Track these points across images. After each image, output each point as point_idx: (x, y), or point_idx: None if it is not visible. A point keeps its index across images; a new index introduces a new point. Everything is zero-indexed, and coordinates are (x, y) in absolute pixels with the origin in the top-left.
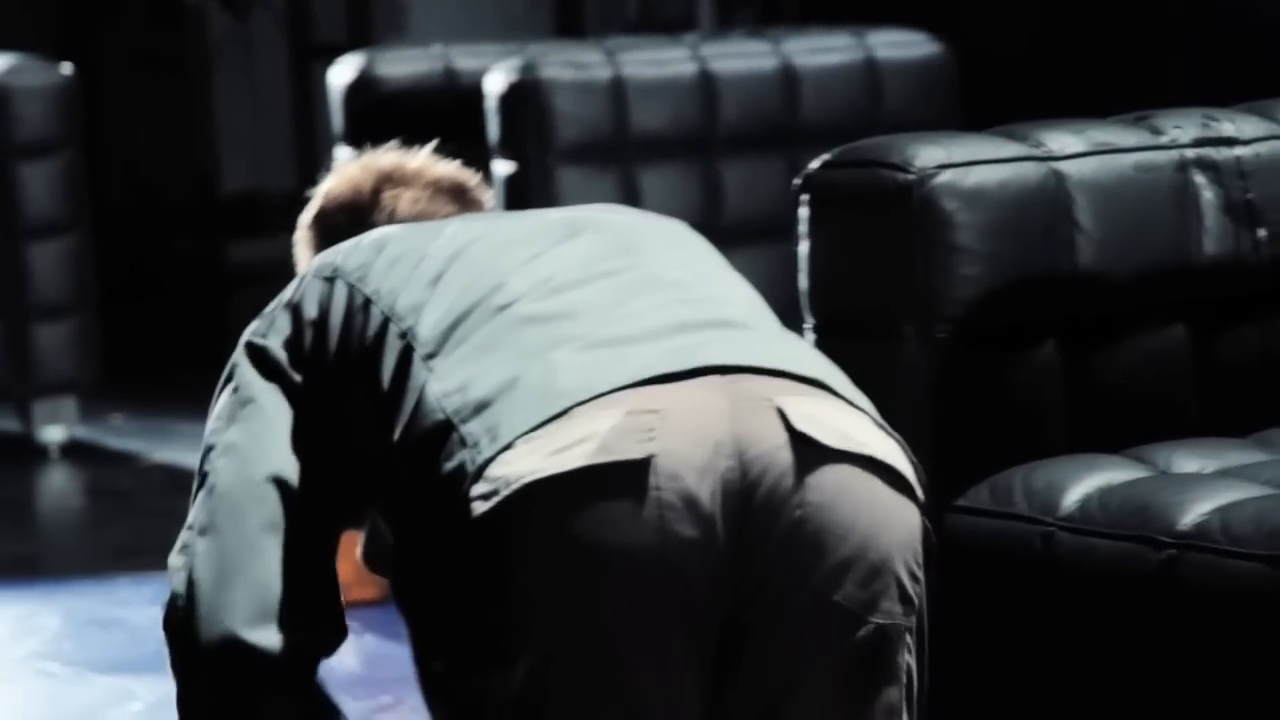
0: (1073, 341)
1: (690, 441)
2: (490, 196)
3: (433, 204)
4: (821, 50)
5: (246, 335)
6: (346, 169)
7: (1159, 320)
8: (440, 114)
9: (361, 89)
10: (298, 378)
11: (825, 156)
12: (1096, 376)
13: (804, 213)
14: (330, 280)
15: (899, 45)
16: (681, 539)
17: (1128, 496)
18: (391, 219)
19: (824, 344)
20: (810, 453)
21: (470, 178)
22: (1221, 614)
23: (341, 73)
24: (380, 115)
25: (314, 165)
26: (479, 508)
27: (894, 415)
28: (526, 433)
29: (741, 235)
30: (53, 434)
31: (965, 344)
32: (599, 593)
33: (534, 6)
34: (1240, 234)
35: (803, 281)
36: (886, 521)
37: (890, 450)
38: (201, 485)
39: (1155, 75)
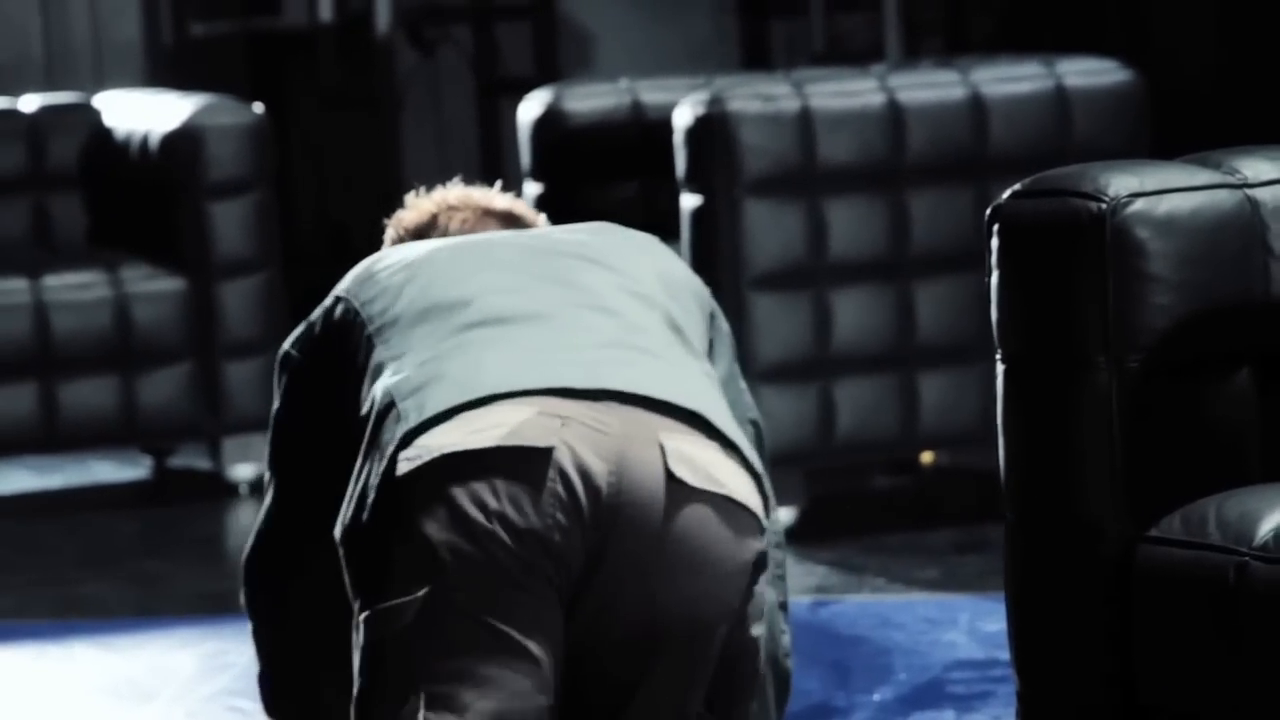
0: (1267, 370)
1: (585, 449)
2: (542, 220)
3: (480, 224)
4: (1010, 79)
5: (285, 344)
6: (419, 200)
7: None
8: (628, 148)
9: (549, 124)
10: (308, 369)
11: (1015, 187)
12: None
13: (995, 244)
14: (336, 297)
15: (1088, 73)
16: (558, 523)
17: None
18: (444, 236)
19: (1015, 375)
20: (677, 490)
21: (520, 205)
22: None
23: (529, 108)
24: (568, 150)
25: None
26: (403, 468)
27: (1086, 446)
28: (447, 411)
29: (930, 266)
30: (243, 471)
31: (1158, 373)
32: (485, 547)
33: (720, 39)
34: None
35: (994, 313)
36: (726, 555)
37: (743, 488)
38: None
39: None
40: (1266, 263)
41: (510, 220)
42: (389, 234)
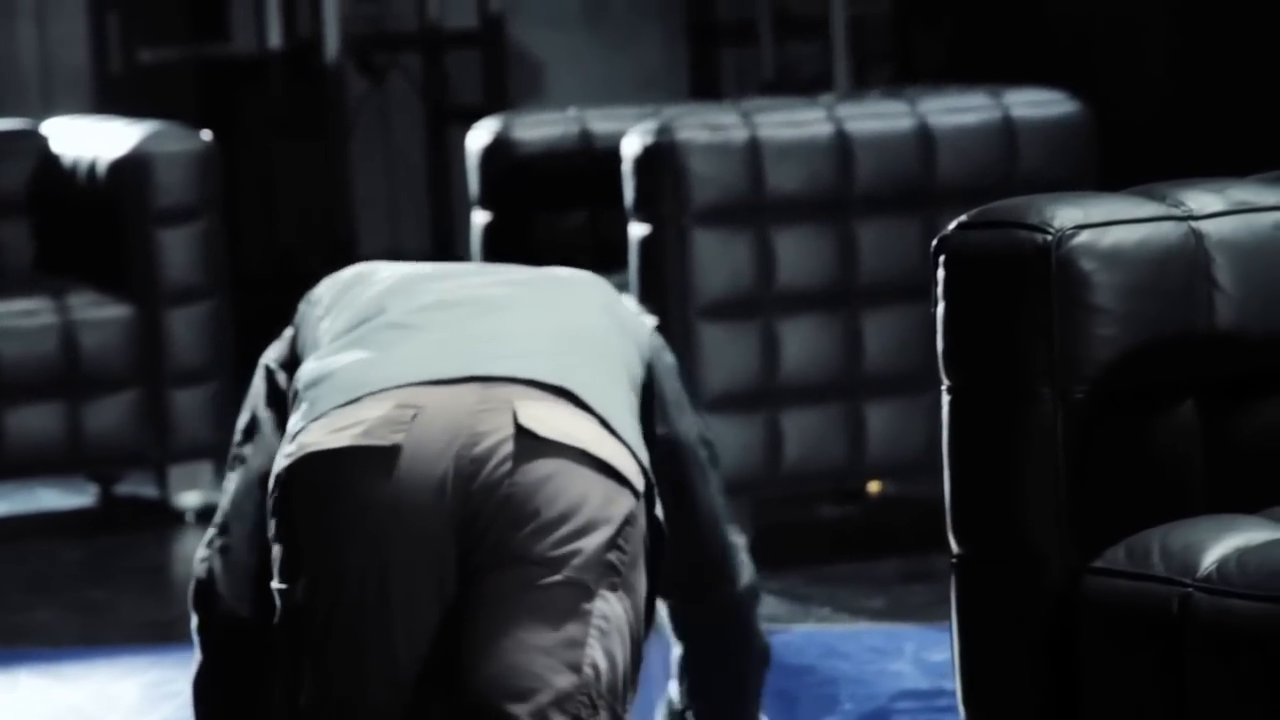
0: (1211, 402)
1: (435, 432)
2: None
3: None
4: (958, 110)
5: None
6: None
7: None
8: (576, 177)
9: (498, 152)
10: (282, 376)
11: (962, 218)
12: (1235, 437)
13: (940, 274)
14: (304, 302)
15: (1036, 104)
16: (414, 506)
17: (1267, 557)
18: None
19: (961, 405)
20: (529, 444)
21: None
22: None
23: (478, 136)
24: (517, 178)
25: (450, 229)
26: (279, 465)
27: (1031, 476)
28: (328, 410)
29: (877, 296)
30: (189, 499)
31: (1103, 405)
32: (345, 539)
33: (670, 68)
34: None
35: (940, 343)
36: (586, 501)
37: (605, 446)
38: (225, 488)
39: None
40: (1211, 294)
41: None
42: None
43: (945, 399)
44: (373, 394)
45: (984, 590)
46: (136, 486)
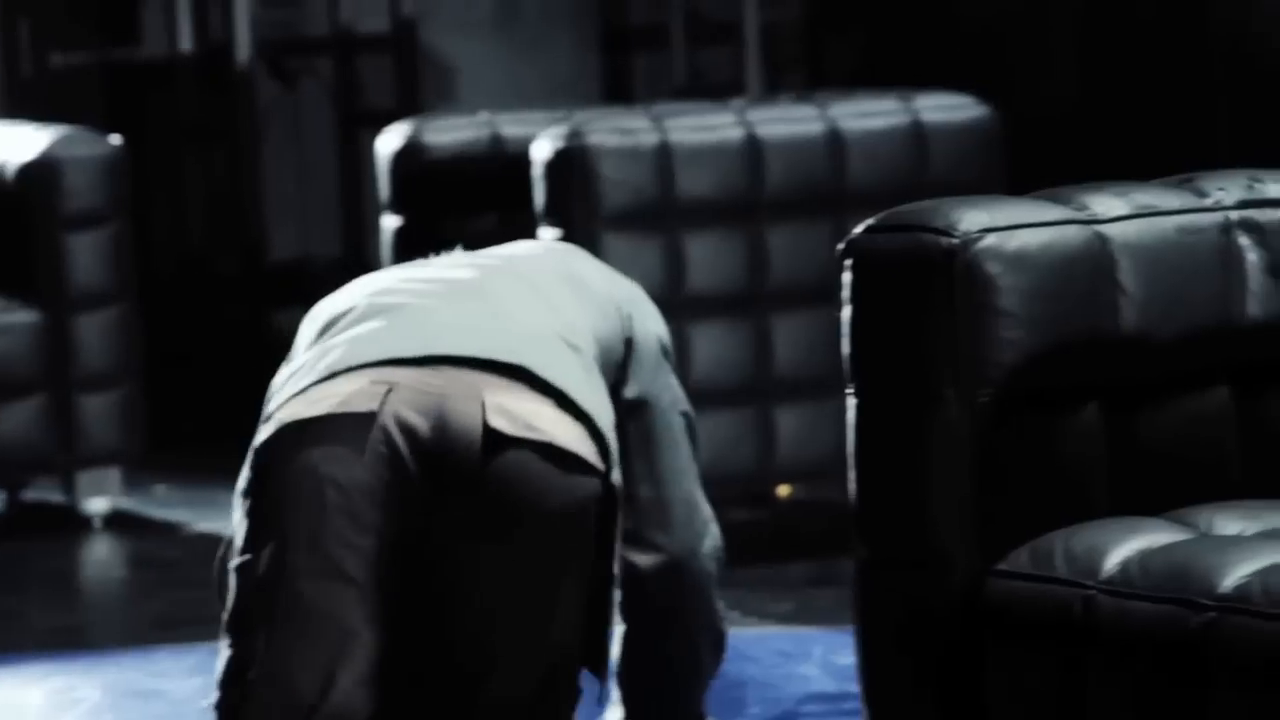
0: (1115, 404)
1: (407, 409)
2: None
3: None
4: (868, 114)
5: None
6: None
7: (1202, 382)
8: (487, 181)
9: (408, 157)
10: None
11: (869, 221)
12: (1139, 439)
13: (847, 278)
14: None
15: (945, 109)
16: (383, 477)
17: (1169, 559)
18: None
19: (867, 409)
20: (497, 439)
21: None
22: (1261, 677)
23: (388, 141)
24: (427, 182)
25: (361, 234)
26: (261, 437)
27: (935, 479)
28: (300, 390)
29: (787, 300)
30: (96, 505)
31: (1008, 408)
32: (319, 501)
33: (582, 73)
34: None
35: (846, 347)
36: (550, 495)
37: (568, 435)
38: None
39: (1203, 138)
40: (1115, 298)
41: None
42: None
43: (851, 402)
44: (347, 371)
45: (888, 593)
46: (44, 492)
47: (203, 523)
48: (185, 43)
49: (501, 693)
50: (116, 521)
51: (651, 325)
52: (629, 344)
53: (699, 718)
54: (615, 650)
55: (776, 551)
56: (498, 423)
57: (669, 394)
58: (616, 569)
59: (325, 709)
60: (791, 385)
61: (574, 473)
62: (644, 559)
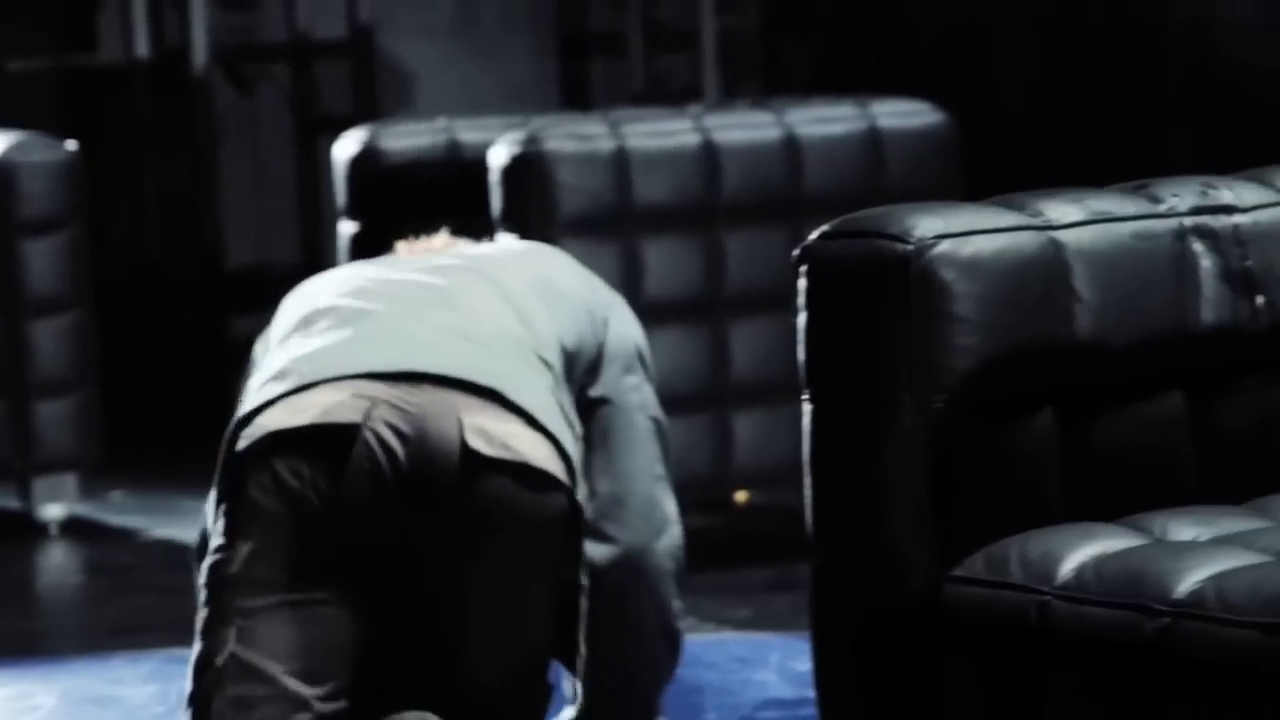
0: (1070, 410)
1: (388, 425)
2: None
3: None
4: (824, 120)
5: None
6: (412, 246)
7: (1156, 388)
8: (444, 187)
9: (365, 162)
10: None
11: (824, 228)
12: (1094, 445)
13: (802, 284)
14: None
15: (902, 115)
16: (363, 490)
17: (1123, 565)
18: None
19: (822, 415)
20: (473, 460)
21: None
22: (1216, 682)
23: (345, 146)
24: (384, 188)
25: (318, 239)
26: (241, 444)
27: (891, 485)
28: (279, 396)
29: (744, 306)
30: (53, 511)
31: (963, 413)
32: (299, 510)
33: (541, 79)
34: (1238, 302)
35: (802, 353)
36: (523, 512)
37: (540, 453)
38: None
39: (1160, 144)
40: (1069, 304)
41: None
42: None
43: (807, 408)
44: (327, 381)
45: (844, 598)
46: None
47: (159, 529)
48: (142, 48)
49: (475, 690)
50: (73, 528)
51: (627, 330)
52: (600, 348)
53: (653, 715)
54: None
55: (734, 557)
56: (476, 443)
57: (637, 396)
58: (584, 579)
59: (288, 689)
60: (749, 390)
61: (545, 490)
62: (598, 550)
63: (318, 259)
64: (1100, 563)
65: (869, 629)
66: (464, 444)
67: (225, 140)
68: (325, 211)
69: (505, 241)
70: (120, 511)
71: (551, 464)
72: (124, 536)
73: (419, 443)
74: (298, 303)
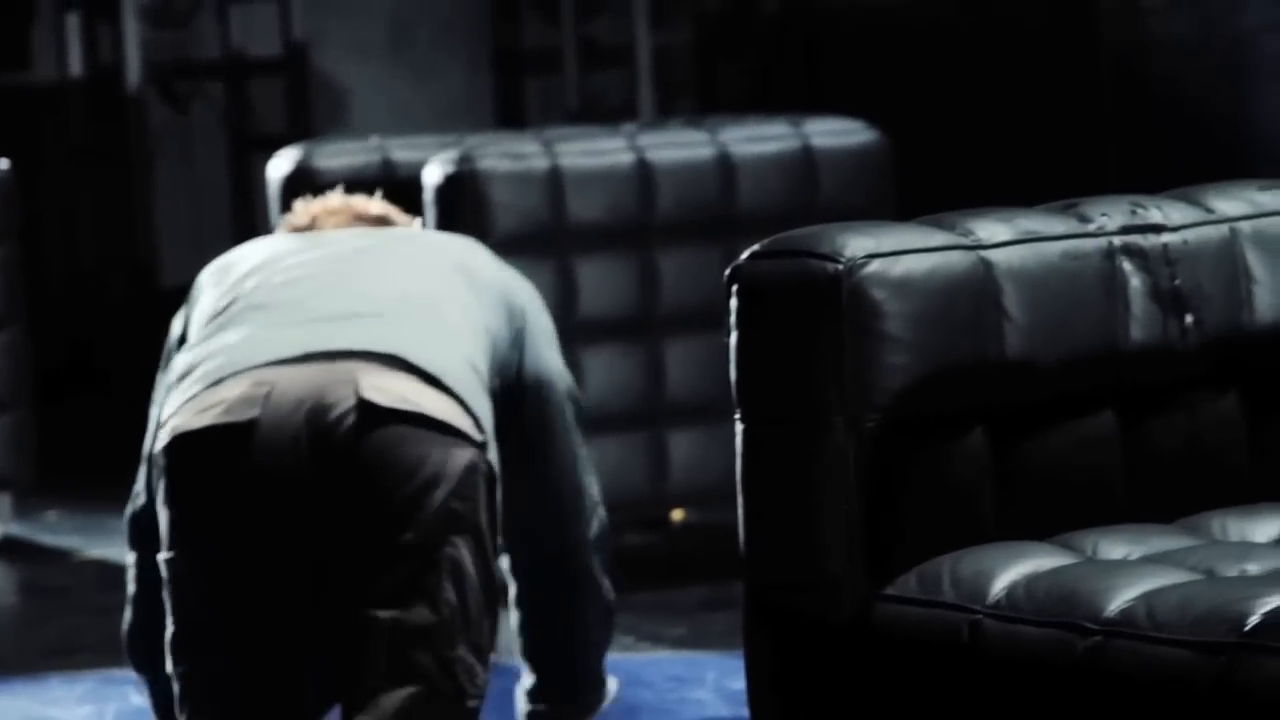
0: (1001, 429)
1: (287, 405)
2: (416, 223)
3: (351, 226)
4: (758, 139)
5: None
6: (306, 204)
7: (1087, 407)
8: None
9: (299, 180)
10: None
11: (754, 248)
12: (1025, 463)
13: (734, 304)
14: (197, 279)
15: (835, 134)
16: (267, 479)
17: (1054, 583)
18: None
19: (754, 434)
20: (371, 412)
21: (393, 211)
22: (1147, 700)
23: (280, 165)
24: None
25: None
26: (156, 446)
27: (823, 504)
28: (197, 393)
29: (679, 325)
30: None
31: (894, 432)
32: (207, 510)
33: (475, 97)
34: (1168, 320)
35: (733, 373)
36: (426, 460)
37: (440, 406)
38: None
39: (1092, 163)
40: (1000, 323)
41: (381, 223)
42: (279, 233)
43: (739, 428)
44: (232, 375)
45: (777, 617)
46: None
47: (94, 549)
48: (75, 67)
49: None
50: (7, 548)
51: (543, 318)
52: (520, 332)
53: (599, 678)
54: (514, 633)
55: (670, 576)
56: (371, 395)
57: (561, 378)
58: (498, 545)
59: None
60: (684, 409)
61: (450, 438)
62: (535, 554)
63: None
64: (1032, 581)
65: (801, 648)
66: (360, 398)
67: (159, 158)
68: (259, 229)
69: (423, 231)
70: (55, 531)
71: (458, 419)
72: (59, 557)
73: (316, 410)
74: (214, 290)
